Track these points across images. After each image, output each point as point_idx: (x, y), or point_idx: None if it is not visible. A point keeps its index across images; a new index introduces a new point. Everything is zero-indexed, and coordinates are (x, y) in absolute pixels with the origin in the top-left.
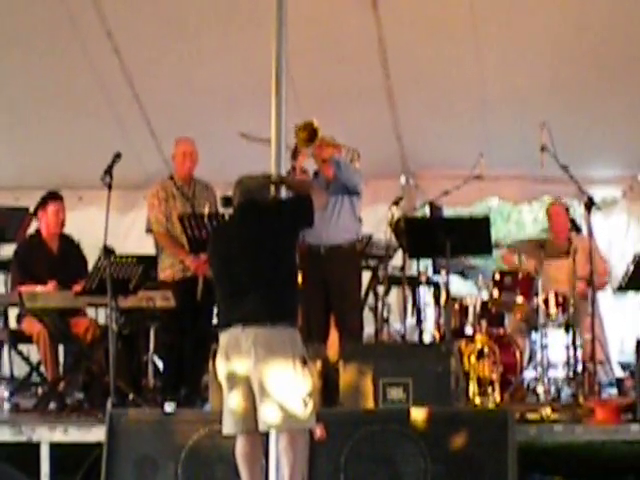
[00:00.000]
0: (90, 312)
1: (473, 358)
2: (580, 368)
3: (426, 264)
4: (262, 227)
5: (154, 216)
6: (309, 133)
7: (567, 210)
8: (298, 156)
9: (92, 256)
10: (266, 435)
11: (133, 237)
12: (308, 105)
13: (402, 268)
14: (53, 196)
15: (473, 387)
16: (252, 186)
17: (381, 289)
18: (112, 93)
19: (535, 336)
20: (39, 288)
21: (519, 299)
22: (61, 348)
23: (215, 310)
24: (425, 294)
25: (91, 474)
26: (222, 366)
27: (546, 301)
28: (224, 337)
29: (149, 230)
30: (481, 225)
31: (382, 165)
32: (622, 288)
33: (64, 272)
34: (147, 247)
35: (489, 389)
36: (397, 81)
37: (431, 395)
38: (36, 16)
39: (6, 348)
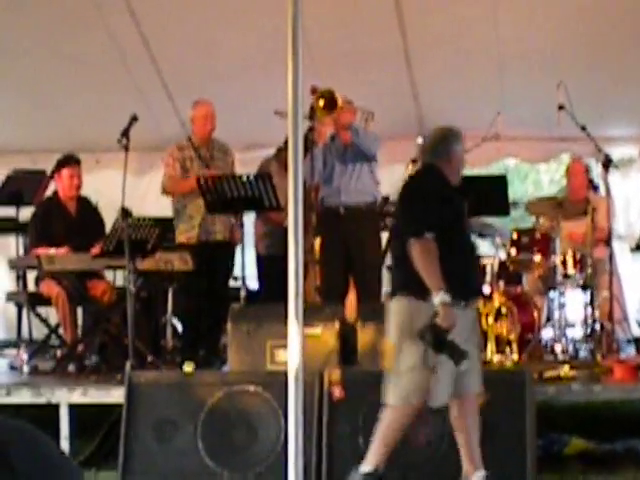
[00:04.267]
0: (108, 275)
1: (491, 318)
2: (598, 327)
3: None
4: None
5: (167, 173)
6: (329, 102)
7: (587, 169)
8: (315, 117)
9: (110, 218)
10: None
11: (150, 199)
12: (325, 67)
13: None
14: (68, 160)
15: (491, 346)
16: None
17: None
18: (129, 56)
19: (553, 295)
20: (53, 251)
21: (537, 258)
22: (80, 310)
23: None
24: None
25: (110, 435)
26: None
27: (564, 260)
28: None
29: (164, 191)
30: (498, 184)
31: (399, 125)
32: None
33: (82, 234)
34: (164, 209)
35: (507, 348)
36: (413, 41)
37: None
38: None
39: (25, 310)
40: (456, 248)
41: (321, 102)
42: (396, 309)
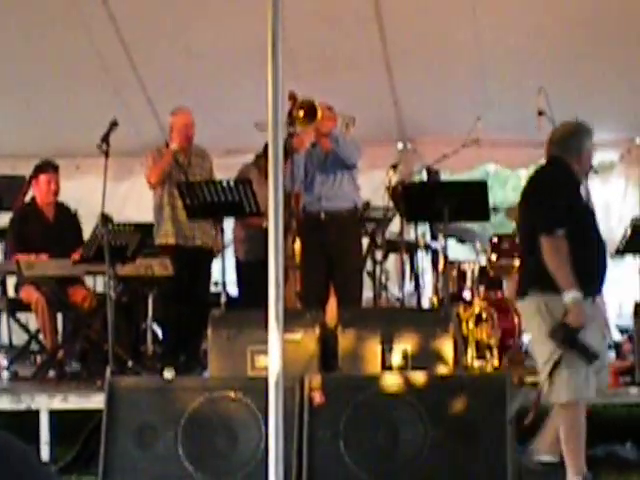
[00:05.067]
0: (88, 281)
1: (471, 323)
2: None
3: (424, 229)
4: None
5: (147, 166)
6: (309, 112)
7: None
8: (294, 123)
9: (90, 224)
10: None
11: (130, 205)
12: (305, 72)
13: (400, 234)
14: (45, 165)
15: (471, 352)
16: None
17: (379, 255)
18: (108, 61)
19: None
20: (32, 257)
21: (517, 263)
22: (60, 317)
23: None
24: (423, 259)
25: (90, 441)
26: None
27: None
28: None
29: (150, 184)
30: (478, 189)
31: (379, 131)
32: (620, 252)
33: (59, 241)
34: (144, 215)
35: (487, 353)
36: (394, 46)
37: (430, 360)
38: None
39: (5, 316)
40: (586, 244)
41: (301, 112)
42: (533, 309)
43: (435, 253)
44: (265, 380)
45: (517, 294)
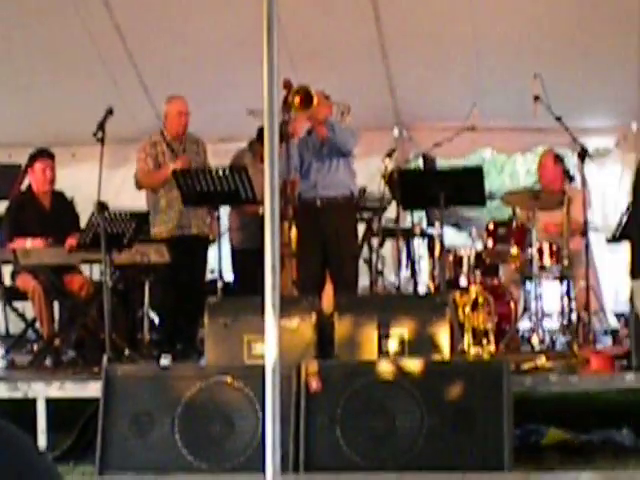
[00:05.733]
0: (84, 269)
1: (468, 309)
2: (575, 318)
3: (420, 216)
4: None
5: (140, 167)
6: (305, 99)
7: (562, 161)
8: (289, 110)
9: (86, 212)
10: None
11: (126, 193)
12: (300, 59)
13: (396, 220)
14: (41, 153)
15: (468, 338)
16: None
17: (375, 241)
18: (104, 49)
19: (529, 286)
20: (28, 242)
21: (513, 250)
22: (56, 305)
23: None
24: (419, 246)
25: (87, 429)
26: None
27: (540, 251)
28: None
29: (138, 185)
30: (474, 176)
31: (375, 117)
32: (616, 238)
33: (56, 229)
34: (140, 203)
35: (484, 340)
36: (389, 34)
37: (426, 346)
38: None
39: (1, 305)
40: None
41: (297, 99)
42: None
43: (431, 239)
44: (262, 367)
45: (631, 275)
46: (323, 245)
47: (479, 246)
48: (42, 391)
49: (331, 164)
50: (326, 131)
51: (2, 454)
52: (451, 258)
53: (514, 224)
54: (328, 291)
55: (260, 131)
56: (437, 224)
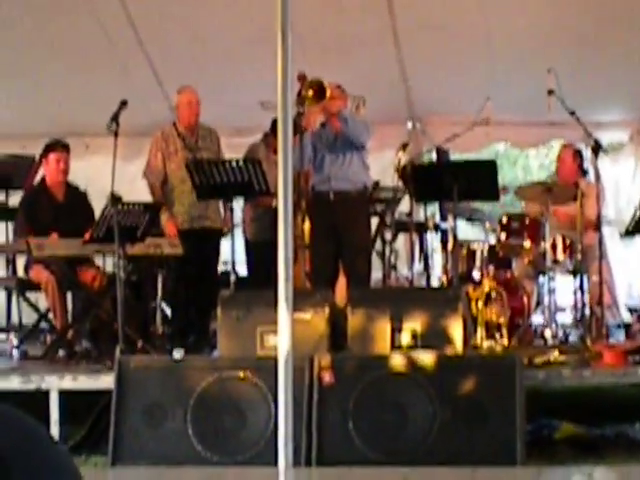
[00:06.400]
0: (98, 261)
1: (481, 303)
2: (588, 312)
3: (433, 210)
4: None
5: (152, 164)
6: (318, 92)
7: (581, 156)
8: (303, 103)
9: (99, 204)
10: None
11: (139, 184)
12: (314, 52)
13: (409, 214)
14: (55, 144)
15: (481, 332)
16: None
17: (388, 235)
18: (117, 41)
19: (543, 280)
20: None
21: (526, 243)
22: (69, 296)
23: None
24: (432, 239)
25: (100, 421)
26: None
27: (554, 245)
28: None
29: (144, 177)
30: (488, 169)
31: (389, 111)
32: (629, 232)
33: (69, 221)
34: None
35: (497, 334)
36: (403, 27)
37: (439, 340)
38: None
39: (14, 296)
40: None
41: (310, 92)
42: None
43: (444, 233)
44: (274, 360)
45: None
46: (336, 238)
47: (492, 240)
48: (55, 383)
49: (345, 157)
50: (340, 124)
51: (16, 442)
52: (464, 252)
53: (527, 218)
54: (341, 284)
55: (274, 123)
56: (450, 217)
